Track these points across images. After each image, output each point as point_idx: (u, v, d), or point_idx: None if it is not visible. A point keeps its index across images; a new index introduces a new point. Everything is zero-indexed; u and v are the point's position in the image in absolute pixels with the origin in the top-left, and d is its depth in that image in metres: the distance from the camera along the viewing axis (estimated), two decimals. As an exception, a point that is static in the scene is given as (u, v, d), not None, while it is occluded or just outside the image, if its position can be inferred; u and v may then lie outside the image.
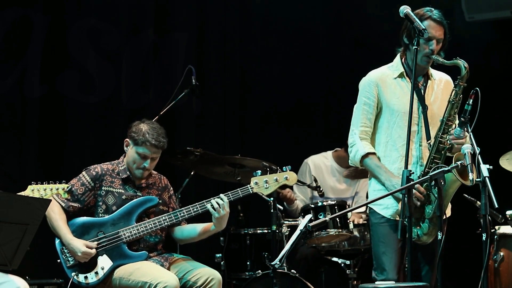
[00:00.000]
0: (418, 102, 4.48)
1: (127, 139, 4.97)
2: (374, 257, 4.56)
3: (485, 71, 6.66)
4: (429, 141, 4.44)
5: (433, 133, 4.45)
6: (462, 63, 4.38)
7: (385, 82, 4.54)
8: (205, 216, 4.92)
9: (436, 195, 4.25)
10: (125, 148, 4.98)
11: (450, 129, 4.39)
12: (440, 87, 4.57)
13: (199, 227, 4.97)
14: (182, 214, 4.89)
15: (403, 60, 4.56)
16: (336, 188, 6.48)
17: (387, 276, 4.43)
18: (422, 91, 4.52)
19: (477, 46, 6.75)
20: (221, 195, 4.83)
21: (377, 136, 4.58)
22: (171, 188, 5.15)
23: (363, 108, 4.56)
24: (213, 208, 4.80)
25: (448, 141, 4.37)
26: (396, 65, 4.58)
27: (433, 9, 4.48)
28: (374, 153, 4.53)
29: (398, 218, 4.40)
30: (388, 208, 4.50)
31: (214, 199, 4.82)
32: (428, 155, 4.41)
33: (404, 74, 4.54)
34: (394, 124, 4.51)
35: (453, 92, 4.41)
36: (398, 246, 4.45)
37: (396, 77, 4.55)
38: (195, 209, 4.86)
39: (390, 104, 4.52)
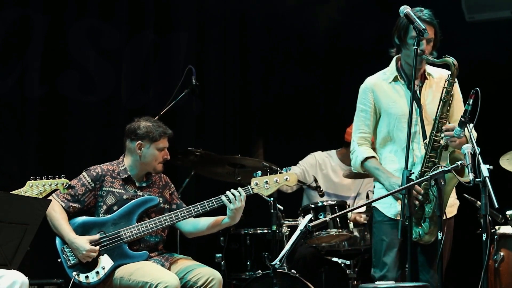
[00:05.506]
0: (415, 103, 4.50)
1: (139, 142, 4.93)
2: (374, 254, 4.58)
3: (485, 71, 6.69)
4: (425, 140, 4.46)
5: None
6: (451, 60, 4.40)
7: (380, 87, 4.59)
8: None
9: (434, 194, 4.26)
10: (138, 152, 4.94)
11: (443, 127, 4.40)
12: (440, 84, 4.56)
13: (209, 220, 4.97)
14: (182, 214, 4.88)
15: (398, 64, 4.58)
16: (340, 184, 6.48)
17: (386, 273, 4.43)
18: (418, 91, 4.53)
19: (478, 46, 6.75)
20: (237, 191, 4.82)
21: (379, 141, 4.63)
22: (172, 186, 5.14)
23: (360, 114, 4.64)
24: (229, 200, 4.80)
25: (443, 139, 4.39)
26: (391, 69, 4.62)
27: (423, 9, 4.48)
28: (373, 157, 4.58)
29: (399, 218, 4.41)
30: (389, 207, 4.54)
31: (230, 191, 4.81)
32: (424, 154, 4.43)
33: (398, 77, 4.56)
34: (394, 127, 4.55)
35: (444, 90, 4.42)
36: (399, 246, 4.46)
37: (391, 81, 4.58)
38: (209, 204, 4.85)
39: (387, 108, 4.56)
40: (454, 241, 4.63)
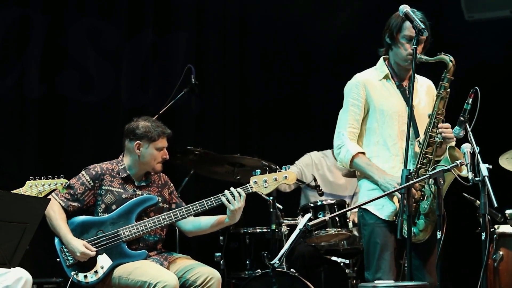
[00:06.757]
0: (405, 102, 4.49)
1: (138, 142, 4.92)
2: (368, 257, 4.49)
3: (484, 70, 6.69)
4: (418, 138, 4.44)
5: (421, 132, 4.44)
6: (447, 57, 4.38)
7: (371, 84, 4.55)
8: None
9: (431, 190, 4.25)
10: (137, 151, 4.93)
11: (439, 123, 4.39)
12: (423, 88, 4.57)
13: (211, 219, 4.97)
14: (181, 213, 4.88)
15: (386, 62, 4.57)
16: (336, 184, 6.48)
17: (381, 277, 4.40)
18: (407, 91, 4.52)
19: (477, 45, 6.76)
20: (237, 189, 4.83)
21: (366, 138, 4.56)
22: (172, 185, 5.14)
23: (350, 109, 4.54)
24: (228, 200, 4.80)
25: (438, 136, 4.38)
26: (380, 67, 4.59)
27: (415, 10, 4.44)
28: (363, 153, 4.50)
29: (394, 219, 4.39)
30: (382, 208, 4.45)
31: (229, 191, 4.81)
32: (419, 151, 4.41)
33: (389, 75, 4.55)
34: (384, 124, 4.50)
35: (441, 86, 4.41)
36: (394, 247, 4.44)
37: (381, 79, 4.56)
38: (209, 203, 4.85)
39: (378, 105, 4.51)
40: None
